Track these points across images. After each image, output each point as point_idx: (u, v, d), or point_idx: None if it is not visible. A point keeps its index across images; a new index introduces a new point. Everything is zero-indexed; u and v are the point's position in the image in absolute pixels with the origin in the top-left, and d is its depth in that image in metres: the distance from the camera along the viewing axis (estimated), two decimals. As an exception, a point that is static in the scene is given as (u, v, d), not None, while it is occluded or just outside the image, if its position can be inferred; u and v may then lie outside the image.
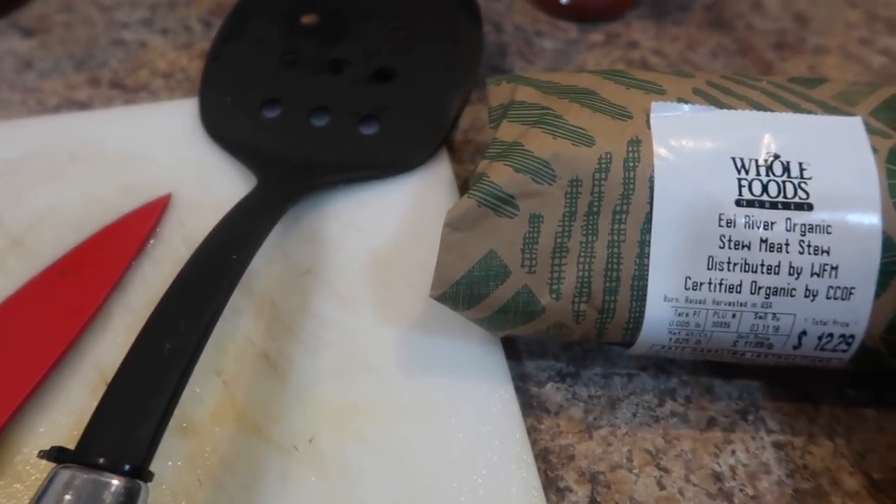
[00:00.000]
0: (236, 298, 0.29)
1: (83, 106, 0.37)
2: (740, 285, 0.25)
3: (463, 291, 0.26)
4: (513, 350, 0.30)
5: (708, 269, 0.25)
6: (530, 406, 0.29)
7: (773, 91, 0.27)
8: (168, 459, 0.26)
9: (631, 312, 0.26)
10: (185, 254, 0.27)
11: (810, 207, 0.25)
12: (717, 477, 0.27)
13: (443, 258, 0.26)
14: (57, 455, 0.21)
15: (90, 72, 0.39)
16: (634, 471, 0.27)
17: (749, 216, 0.25)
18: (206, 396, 0.27)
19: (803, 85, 0.28)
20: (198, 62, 0.39)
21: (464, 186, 0.33)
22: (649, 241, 0.25)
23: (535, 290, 0.26)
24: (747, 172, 0.25)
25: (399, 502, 0.25)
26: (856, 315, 0.25)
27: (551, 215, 0.25)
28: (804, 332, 0.26)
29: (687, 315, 0.26)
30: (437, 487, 0.26)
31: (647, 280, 0.25)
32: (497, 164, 0.26)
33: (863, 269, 0.25)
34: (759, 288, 0.25)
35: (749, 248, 0.25)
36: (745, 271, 0.25)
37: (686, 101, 0.26)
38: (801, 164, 0.25)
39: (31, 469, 0.26)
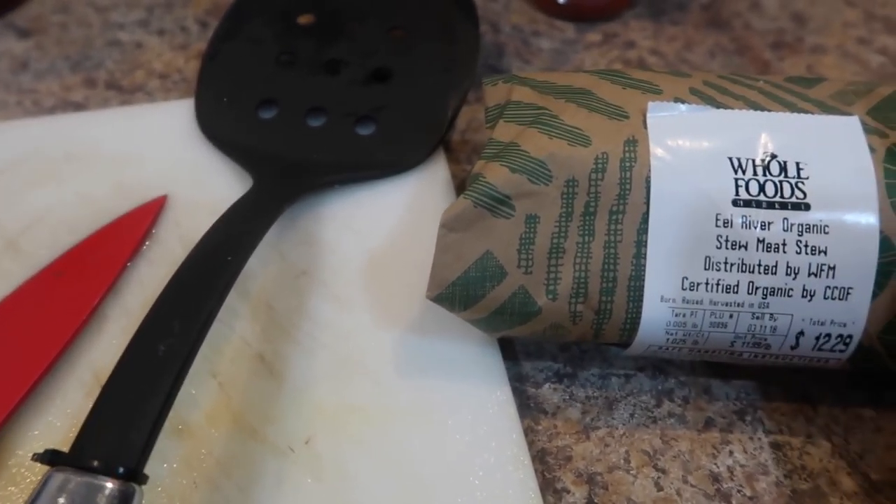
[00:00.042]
0: (232, 300, 0.29)
1: (79, 107, 0.37)
2: (737, 285, 0.25)
3: (459, 292, 0.26)
4: (510, 351, 0.30)
5: (705, 269, 0.25)
6: (527, 407, 0.29)
7: (770, 91, 0.27)
8: (164, 461, 0.26)
9: (628, 313, 0.26)
10: (181, 255, 0.26)
11: (807, 207, 0.25)
12: (715, 478, 0.27)
13: (439, 259, 0.26)
14: (51, 458, 0.21)
15: (86, 73, 0.38)
16: (632, 472, 0.27)
17: (746, 216, 0.25)
18: (201, 398, 0.27)
19: (800, 84, 0.28)
20: (194, 63, 0.39)
21: (461, 187, 0.33)
22: (646, 242, 0.25)
23: (531, 291, 0.26)
24: (744, 172, 0.25)
25: (395, 504, 0.25)
26: (853, 315, 0.25)
27: (548, 216, 0.25)
28: (802, 333, 0.25)
29: (684, 315, 0.25)
30: (433, 489, 0.26)
31: (643, 280, 0.25)
32: (493, 164, 0.26)
33: (860, 269, 0.25)
34: (757, 288, 0.25)
35: (746, 248, 0.25)
36: (742, 271, 0.25)
37: (683, 101, 0.26)
38: (798, 163, 0.25)
39: (26, 472, 0.26)
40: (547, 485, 0.27)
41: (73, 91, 0.38)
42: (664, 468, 0.27)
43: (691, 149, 0.25)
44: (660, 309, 0.25)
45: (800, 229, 0.25)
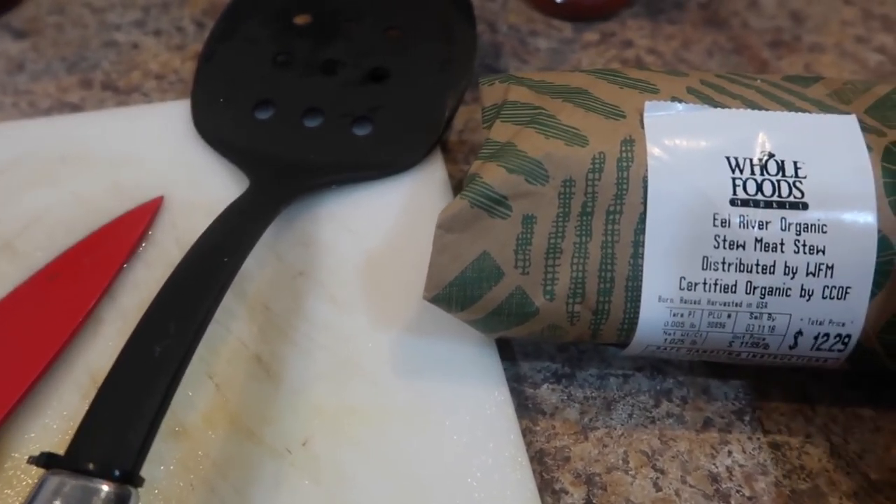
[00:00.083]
0: (229, 301, 0.29)
1: (75, 108, 0.37)
2: (735, 285, 0.25)
3: (456, 293, 0.26)
4: (508, 351, 0.30)
5: (703, 269, 0.25)
6: (525, 408, 0.29)
7: (768, 90, 0.27)
8: (160, 464, 0.26)
9: (625, 313, 0.26)
10: (178, 256, 0.26)
11: (805, 206, 0.25)
12: (714, 478, 0.27)
13: (435, 260, 0.26)
14: (46, 461, 0.21)
15: (82, 74, 0.38)
16: (630, 472, 0.27)
17: (744, 216, 0.25)
18: (198, 400, 0.27)
19: (798, 83, 0.28)
20: (191, 63, 0.39)
21: (458, 187, 0.33)
22: (643, 242, 0.25)
23: (528, 292, 0.26)
24: (742, 171, 0.25)
25: (393, 506, 0.25)
26: (852, 314, 0.25)
27: (545, 216, 0.25)
28: (800, 332, 0.25)
29: (682, 315, 0.25)
30: (431, 491, 0.26)
31: (641, 281, 0.25)
32: (490, 164, 0.26)
33: (858, 269, 0.25)
34: (755, 288, 0.25)
35: (744, 247, 0.25)
36: (740, 271, 0.25)
37: (680, 100, 0.26)
38: (795, 162, 0.25)
39: (22, 475, 0.26)
40: (545, 485, 0.27)
41: (70, 92, 0.38)
42: (663, 468, 0.27)
43: (688, 148, 0.25)
44: (658, 309, 0.25)
45: (798, 229, 0.25)
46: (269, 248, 0.31)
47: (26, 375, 0.27)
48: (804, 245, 0.25)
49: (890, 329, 0.25)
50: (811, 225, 0.25)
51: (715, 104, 0.26)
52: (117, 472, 0.21)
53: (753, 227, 0.25)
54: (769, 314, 0.25)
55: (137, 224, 0.31)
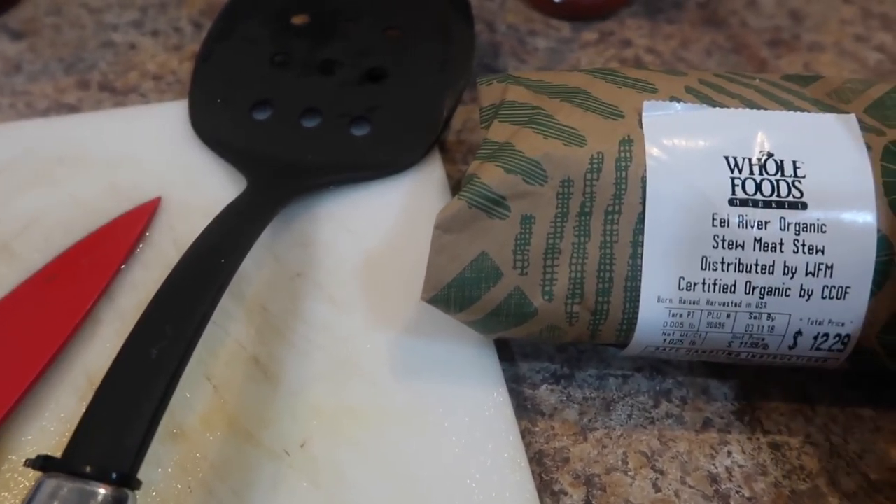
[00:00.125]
0: (226, 302, 0.29)
1: (73, 109, 0.37)
2: (734, 285, 0.25)
3: (455, 294, 0.26)
4: (506, 352, 0.30)
5: (702, 269, 0.25)
6: (524, 408, 0.28)
7: (767, 89, 0.27)
8: (158, 466, 0.26)
9: (624, 314, 0.26)
10: (175, 258, 0.26)
11: (804, 206, 0.25)
12: (713, 479, 0.27)
13: (434, 260, 0.25)
14: (43, 463, 0.21)
15: (79, 74, 0.38)
16: (630, 473, 0.27)
17: (743, 215, 0.25)
18: (196, 402, 0.27)
19: (797, 82, 0.28)
20: (188, 64, 0.38)
21: (456, 187, 0.33)
22: (642, 242, 0.25)
23: (527, 292, 0.26)
24: (741, 171, 0.25)
25: (392, 507, 0.25)
26: (851, 314, 0.25)
27: (543, 216, 0.25)
28: (799, 332, 0.25)
29: (681, 316, 0.25)
30: (430, 492, 0.25)
31: (640, 281, 0.25)
32: (488, 164, 0.26)
33: (858, 268, 0.25)
34: (754, 288, 0.25)
35: (743, 247, 0.25)
36: (739, 271, 0.25)
37: (678, 100, 0.26)
38: (794, 162, 0.25)
39: (20, 477, 0.25)
40: (544, 487, 0.27)
41: (67, 93, 0.38)
42: (662, 469, 0.27)
43: (687, 148, 0.25)
44: (656, 309, 0.25)
45: (797, 228, 0.25)
46: (266, 249, 0.31)
47: (24, 377, 0.27)
48: (803, 245, 0.25)
49: (890, 329, 0.25)
50: (810, 224, 0.25)
51: (714, 104, 0.26)
52: (114, 475, 0.21)
53: (752, 227, 0.25)
54: (768, 314, 0.25)
55: (135, 225, 0.31)
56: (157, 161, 0.33)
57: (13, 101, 0.37)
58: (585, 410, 0.28)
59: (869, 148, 0.25)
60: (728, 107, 0.26)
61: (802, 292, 0.25)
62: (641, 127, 0.26)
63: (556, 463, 0.27)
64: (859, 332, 0.25)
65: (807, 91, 0.27)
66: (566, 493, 0.27)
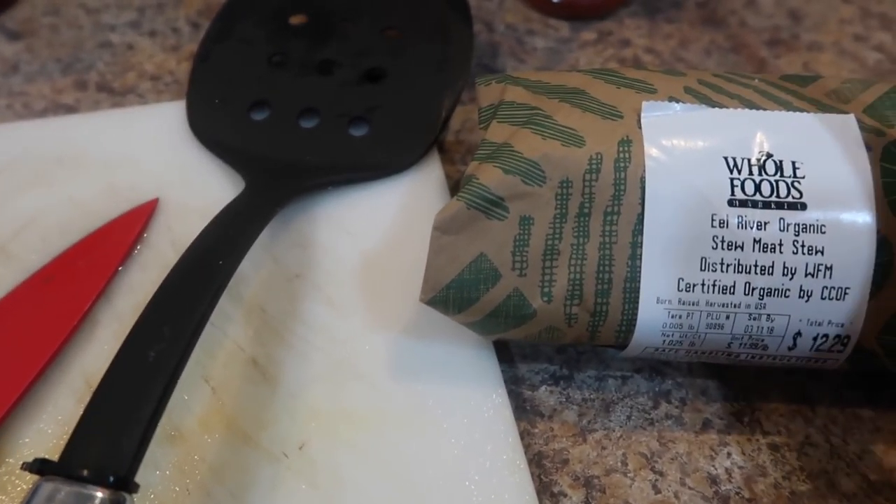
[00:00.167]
0: (225, 304, 0.29)
1: (70, 109, 0.37)
2: (734, 286, 0.25)
3: (453, 295, 0.25)
4: (505, 353, 0.29)
5: (701, 270, 0.25)
6: (523, 410, 0.28)
7: (766, 89, 0.27)
8: (156, 468, 0.26)
9: (623, 315, 0.26)
10: (173, 259, 0.26)
11: (804, 207, 0.25)
12: (713, 480, 0.27)
13: (432, 261, 0.25)
14: (40, 467, 0.21)
15: (77, 75, 0.38)
16: (629, 474, 0.27)
17: (742, 216, 0.25)
18: (194, 404, 0.27)
19: (796, 83, 0.28)
20: (186, 64, 0.38)
21: (455, 187, 0.33)
22: (641, 243, 0.25)
23: (526, 293, 0.25)
24: (740, 172, 0.25)
25: (390, 509, 0.25)
26: (851, 315, 0.25)
27: (542, 217, 0.25)
28: (799, 333, 0.25)
29: (680, 317, 0.25)
30: (429, 494, 0.25)
31: (639, 282, 0.25)
32: (486, 165, 0.25)
33: (857, 269, 0.24)
34: (753, 289, 0.25)
35: (742, 248, 0.25)
36: (738, 272, 0.25)
37: (677, 100, 0.26)
38: (794, 162, 0.25)
39: (17, 480, 0.25)
40: (544, 488, 0.27)
41: (64, 93, 0.37)
42: (662, 470, 0.27)
43: (686, 148, 0.25)
44: (656, 310, 0.25)
45: (796, 229, 0.25)
46: (265, 250, 0.31)
47: (21, 379, 0.27)
48: (803, 245, 0.25)
49: (889, 330, 0.25)
50: (810, 225, 0.25)
51: (713, 104, 0.26)
52: (112, 478, 0.21)
53: (752, 228, 0.25)
54: (768, 315, 0.25)
55: (133, 226, 0.31)
56: (154, 162, 0.33)
57: (10, 102, 0.37)
58: (585, 412, 0.28)
59: (868, 148, 0.25)
60: (727, 107, 0.26)
61: (802, 293, 0.25)
62: (640, 127, 0.26)
63: (556, 464, 0.27)
64: (859, 332, 0.25)
65: (806, 91, 0.27)
66: (565, 495, 0.27)
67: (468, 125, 0.36)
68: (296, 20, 0.37)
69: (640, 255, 0.25)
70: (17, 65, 0.39)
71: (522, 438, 0.27)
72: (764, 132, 0.25)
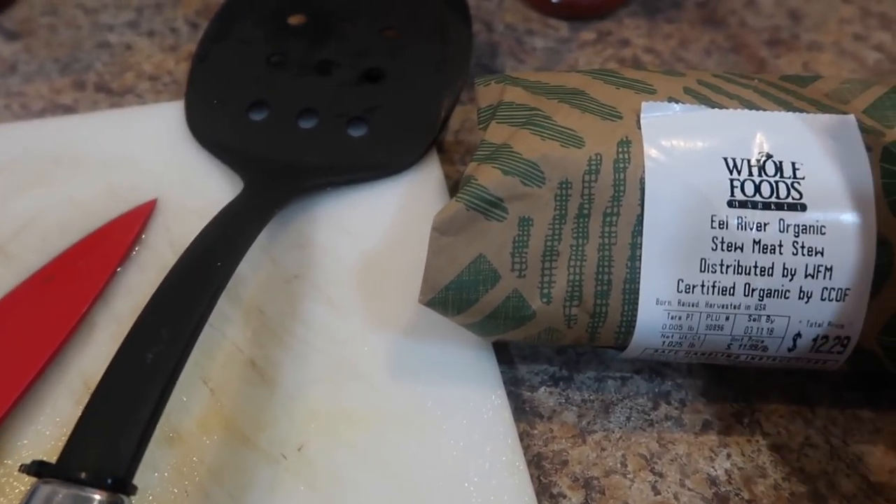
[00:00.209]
0: (223, 305, 0.28)
1: (68, 110, 0.37)
2: (733, 287, 0.25)
3: (452, 296, 0.25)
4: (505, 354, 0.29)
5: (700, 271, 0.25)
6: (523, 411, 0.28)
7: (765, 89, 0.27)
8: (154, 470, 0.26)
9: (623, 316, 0.25)
10: (172, 260, 0.26)
11: (804, 208, 0.25)
12: (713, 481, 0.27)
13: (431, 263, 0.25)
14: (38, 469, 0.21)
15: (75, 75, 0.38)
16: (629, 476, 0.27)
17: (742, 217, 0.25)
18: (192, 405, 0.27)
19: (796, 83, 0.27)
20: (184, 64, 0.38)
21: (454, 188, 0.33)
22: (640, 244, 0.25)
23: (525, 295, 0.25)
24: (739, 173, 0.25)
25: (389, 511, 0.25)
26: (851, 317, 0.25)
27: (541, 218, 0.25)
28: (799, 335, 0.25)
29: (680, 318, 0.25)
30: (428, 495, 0.25)
31: (638, 283, 0.25)
32: (485, 166, 0.25)
33: (858, 270, 0.24)
34: (753, 290, 0.25)
35: (742, 249, 0.25)
36: (738, 273, 0.25)
37: (677, 101, 0.26)
38: (793, 163, 0.25)
39: (15, 482, 0.25)
40: (543, 490, 0.27)
41: (62, 94, 0.37)
42: (661, 472, 0.27)
43: (686, 149, 0.25)
44: (655, 312, 0.25)
45: (796, 230, 0.24)
46: (263, 251, 0.31)
47: (19, 381, 0.27)
48: (803, 246, 0.24)
49: (889, 330, 0.25)
50: (810, 226, 0.24)
51: (712, 104, 0.26)
52: (110, 481, 0.21)
53: (751, 229, 0.25)
54: (768, 316, 0.25)
55: (131, 227, 0.31)
56: (153, 162, 0.33)
57: (8, 103, 0.37)
58: (584, 413, 0.28)
59: (868, 149, 0.25)
60: (727, 108, 0.26)
61: (802, 294, 0.25)
62: (640, 128, 0.25)
63: (555, 465, 0.27)
64: (858, 333, 0.25)
65: (805, 91, 0.27)
66: (565, 496, 0.26)
67: (468, 125, 0.36)
68: (294, 20, 0.37)
69: (640, 256, 0.25)
70: (15, 65, 0.38)
71: (522, 439, 0.27)
72: (764, 133, 0.25)
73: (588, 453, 0.27)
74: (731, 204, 0.25)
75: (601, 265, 0.25)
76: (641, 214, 0.25)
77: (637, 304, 0.25)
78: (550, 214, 0.25)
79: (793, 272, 0.25)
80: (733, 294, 0.25)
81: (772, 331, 0.25)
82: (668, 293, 0.25)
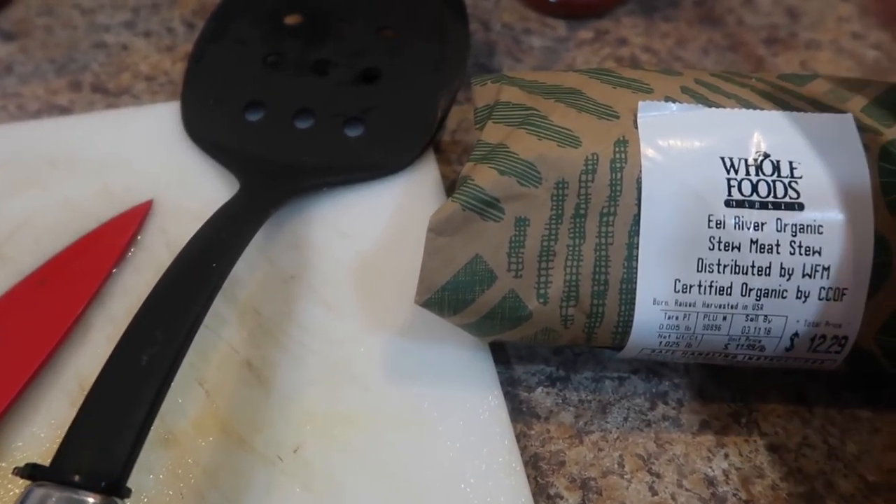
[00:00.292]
0: (219, 306, 0.28)
1: (64, 110, 0.37)
2: (731, 287, 0.25)
3: (448, 297, 0.25)
4: (502, 354, 0.29)
5: (698, 271, 0.25)
6: (520, 411, 0.28)
7: (763, 89, 0.27)
8: (150, 472, 0.25)
9: (620, 316, 0.25)
10: (167, 261, 0.26)
11: (801, 207, 0.24)
12: (710, 481, 0.27)
13: (427, 263, 0.25)
14: (31, 472, 0.21)
15: (71, 76, 0.38)
16: (626, 476, 0.27)
17: (739, 217, 0.24)
18: (188, 406, 0.27)
19: (793, 82, 0.27)
20: (181, 65, 0.38)
21: (451, 188, 0.33)
22: (637, 244, 0.25)
23: (521, 295, 0.25)
24: (737, 172, 0.25)
25: (386, 513, 0.25)
26: (848, 316, 0.25)
27: (537, 218, 0.25)
28: (796, 334, 0.25)
29: (677, 318, 0.25)
30: (424, 497, 0.25)
31: (635, 283, 0.25)
32: (482, 166, 0.25)
33: (855, 270, 0.24)
34: (750, 290, 0.25)
35: (739, 249, 0.24)
36: (735, 273, 0.25)
37: (674, 100, 0.26)
38: (791, 162, 0.25)
39: (10, 485, 0.25)
40: (540, 491, 0.26)
41: (59, 94, 0.37)
42: (659, 472, 0.27)
43: (683, 149, 0.25)
44: (652, 312, 0.25)
45: (793, 230, 0.24)
46: (259, 252, 0.31)
47: (14, 383, 0.27)
48: (800, 246, 0.24)
49: (887, 330, 0.25)
50: (807, 226, 0.24)
51: (709, 104, 0.26)
52: (104, 484, 0.20)
53: (749, 229, 0.24)
54: (765, 316, 0.25)
55: (127, 228, 0.31)
56: (149, 163, 0.33)
57: (4, 103, 0.37)
58: (581, 413, 0.28)
59: (866, 148, 0.25)
60: (724, 107, 0.26)
61: (799, 294, 0.25)
62: (636, 128, 0.25)
63: (552, 466, 0.27)
64: (856, 333, 0.25)
65: (803, 90, 0.27)
66: (562, 497, 0.26)
67: (464, 125, 0.36)
68: (291, 20, 0.37)
69: (637, 256, 0.25)
70: (10, 66, 0.38)
71: (519, 440, 0.27)
72: (761, 132, 0.25)
73: (585, 454, 0.27)
74: (728, 203, 0.24)
75: (598, 265, 0.25)
76: (638, 214, 0.25)
77: (634, 304, 0.25)
78: (547, 214, 0.25)
79: (790, 272, 0.24)
80: (730, 294, 0.25)
81: (769, 330, 0.25)
82: (665, 293, 0.25)
